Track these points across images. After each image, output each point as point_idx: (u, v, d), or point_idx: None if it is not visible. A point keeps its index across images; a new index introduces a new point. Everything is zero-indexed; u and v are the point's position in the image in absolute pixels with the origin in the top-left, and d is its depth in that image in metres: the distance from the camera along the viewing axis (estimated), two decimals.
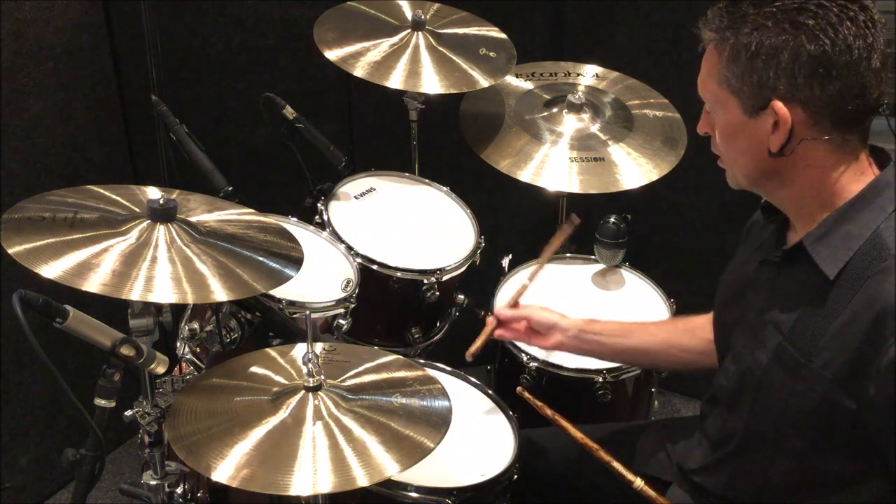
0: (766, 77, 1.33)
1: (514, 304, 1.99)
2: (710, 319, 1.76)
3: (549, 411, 1.76)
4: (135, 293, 1.41)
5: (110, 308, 1.48)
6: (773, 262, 1.48)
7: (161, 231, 1.52)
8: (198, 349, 2.00)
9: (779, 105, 1.33)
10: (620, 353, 1.90)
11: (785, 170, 1.39)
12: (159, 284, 1.43)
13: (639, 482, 1.62)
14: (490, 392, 1.97)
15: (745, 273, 1.56)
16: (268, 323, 1.86)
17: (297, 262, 1.64)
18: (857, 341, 1.31)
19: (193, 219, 1.61)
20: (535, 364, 2.02)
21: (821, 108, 1.33)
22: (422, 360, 2.01)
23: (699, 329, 1.81)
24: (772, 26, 1.31)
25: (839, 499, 1.42)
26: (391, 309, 2.21)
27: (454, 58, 2.31)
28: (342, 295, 2.02)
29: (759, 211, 1.62)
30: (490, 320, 1.93)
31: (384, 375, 1.60)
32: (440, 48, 2.32)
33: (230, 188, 2.00)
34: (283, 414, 1.46)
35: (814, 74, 1.30)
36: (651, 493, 1.61)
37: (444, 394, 1.58)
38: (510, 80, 2.47)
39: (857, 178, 1.38)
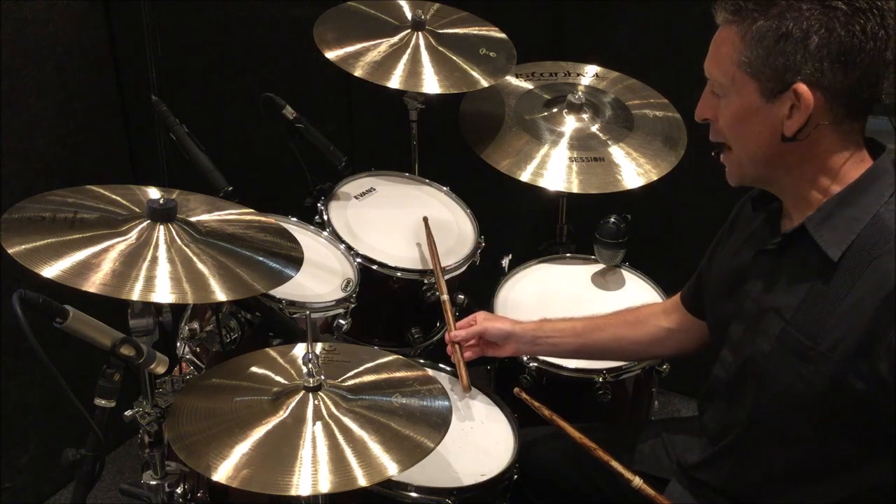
0: (792, 60, 1.32)
1: (458, 325, 1.97)
2: (662, 308, 1.82)
3: (546, 411, 1.76)
4: (135, 293, 1.41)
5: (110, 308, 1.48)
6: (770, 250, 1.48)
7: (161, 231, 1.52)
8: (198, 349, 2.00)
9: (803, 88, 1.33)
10: (574, 353, 1.94)
11: (793, 155, 1.39)
12: (159, 284, 1.43)
13: (637, 480, 1.62)
14: (490, 392, 1.97)
15: (737, 265, 1.56)
16: (268, 323, 1.86)
17: (297, 262, 1.64)
18: (865, 321, 1.32)
19: (193, 219, 1.61)
20: (535, 364, 2.02)
21: (840, 94, 1.33)
22: (422, 360, 2.01)
23: (648, 318, 1.85)
24: (804, 10, 1.31)
25: (839, 487, 1.43)
26: (391, 309, 2.21)
27: (454, 58, 2.30)
28: (342, 295, 2.01)
29: (740, 203, 1.62)
30: (450, 349, 1.94)
31: (384, 375, 1.60)
32: (440, 48, 2.32)
33: (230, 188, 2.00)
34: (283, 414, 1.46)
35: (839, 60, 1.31)
36: (650, 491, 1.61)
37: (444, 394, 1.58)
38: (510, 80, 2.47)
39: (857, 166, 1.39)
